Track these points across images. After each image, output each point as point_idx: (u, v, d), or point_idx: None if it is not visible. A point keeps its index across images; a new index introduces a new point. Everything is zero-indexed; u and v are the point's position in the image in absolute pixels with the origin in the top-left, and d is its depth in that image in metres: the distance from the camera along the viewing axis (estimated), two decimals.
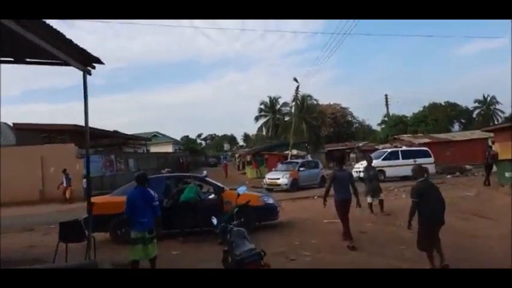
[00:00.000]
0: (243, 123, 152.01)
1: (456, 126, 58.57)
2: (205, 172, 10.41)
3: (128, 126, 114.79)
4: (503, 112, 57.15)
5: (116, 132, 29.00)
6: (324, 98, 72.60)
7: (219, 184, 8.90)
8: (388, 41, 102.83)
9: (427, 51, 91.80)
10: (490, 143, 16.72)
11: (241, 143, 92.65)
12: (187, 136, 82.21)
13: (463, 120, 60.26)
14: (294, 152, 27.89)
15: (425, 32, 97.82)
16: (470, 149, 28.10)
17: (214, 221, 4.96)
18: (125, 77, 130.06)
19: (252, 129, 61.18)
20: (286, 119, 45.25)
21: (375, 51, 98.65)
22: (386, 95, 41.24)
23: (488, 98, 58.32)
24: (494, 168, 14.69)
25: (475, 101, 59.11)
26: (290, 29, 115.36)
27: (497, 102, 57.92)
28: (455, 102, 59.80)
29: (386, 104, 41.42)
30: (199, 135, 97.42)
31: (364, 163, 13.81)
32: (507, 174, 13.36)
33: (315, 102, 45.30)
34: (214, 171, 44.18)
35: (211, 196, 8.64)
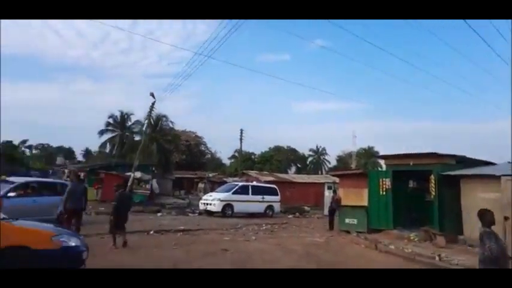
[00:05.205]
0: (86, 137, 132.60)
1: (293, 169, 65.64)
2: None
3: None
4: (329, 162, 68.15)
5: None
6: (180, 123, 70.28)
7: None
8: (247, 80, 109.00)
9: (277, 99, 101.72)
10: (333, 187, 17.96)
11: (80, 158, 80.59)
12: (11, 142, 65.84)
13: (299, 165, 68.03)
14: (138, 174, 24.51)
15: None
16: (306, 191, 30.72)
17: None
18: None
19: (96, 145, 53.42)
20: (137, 138, 41.03)
21: (236, 89, 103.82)
22: (241, 130, 42.54)
23: (320, 149, 68.14)
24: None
25: (310, 150, 68.17)
26: (156, 51, 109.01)
27: (326, 153, 68.48)
28: (294, 148, 67.41)
29: (241, 139, 42.66)
30: (23, 142, 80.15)
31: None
32: (347, 221, 13.99)
33: (170, 124, 42.51)
34: None
35: None
